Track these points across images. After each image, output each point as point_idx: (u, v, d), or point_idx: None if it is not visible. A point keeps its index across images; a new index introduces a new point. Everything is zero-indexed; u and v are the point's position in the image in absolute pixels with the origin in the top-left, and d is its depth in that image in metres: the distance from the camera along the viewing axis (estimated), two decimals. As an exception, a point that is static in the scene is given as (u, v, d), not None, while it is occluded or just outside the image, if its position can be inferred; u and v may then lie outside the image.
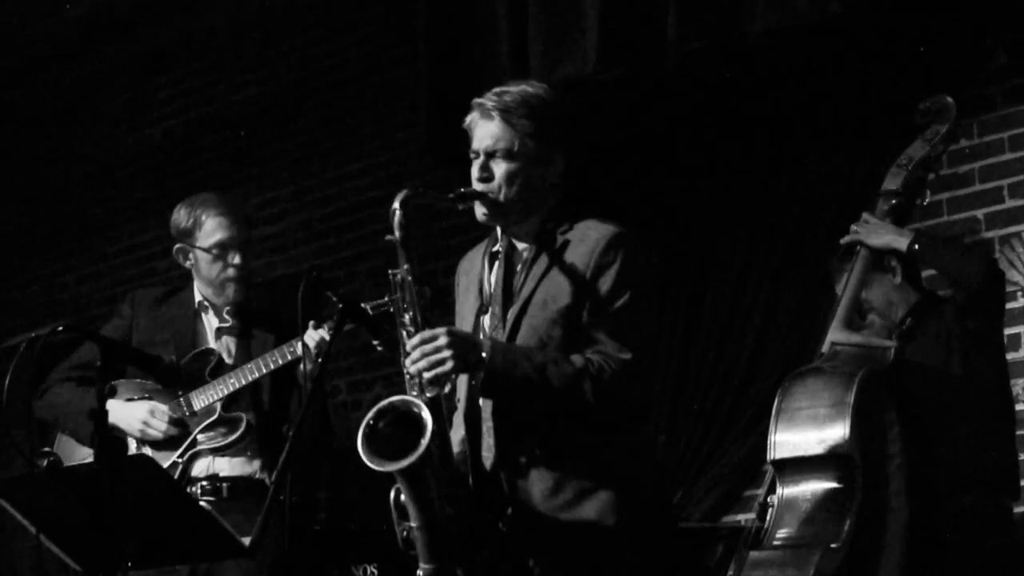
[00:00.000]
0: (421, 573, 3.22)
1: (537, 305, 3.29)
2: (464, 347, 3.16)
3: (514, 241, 3.40)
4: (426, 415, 3.11)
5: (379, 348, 3.60)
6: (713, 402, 5.46)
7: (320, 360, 3.50)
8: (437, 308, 3.45)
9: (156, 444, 4.31)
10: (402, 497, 3.23)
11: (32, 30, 7.52)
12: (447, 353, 3.14)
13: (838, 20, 4.76)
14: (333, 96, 6.95)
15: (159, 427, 4.29)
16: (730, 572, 3.99)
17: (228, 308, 4.43)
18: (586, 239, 3.30)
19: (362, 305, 3.58)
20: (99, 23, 7.52)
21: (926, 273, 4.44)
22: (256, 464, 4.32)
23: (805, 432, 3.86)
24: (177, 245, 4.43)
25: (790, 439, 3.88)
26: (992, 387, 4.15)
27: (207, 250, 4.35)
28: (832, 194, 5.25)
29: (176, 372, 4.23)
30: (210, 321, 4.46)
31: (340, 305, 3.45)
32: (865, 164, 5.13)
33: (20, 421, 4.10)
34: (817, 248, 5.23)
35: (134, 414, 4.31)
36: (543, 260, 3.32)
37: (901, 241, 4.12)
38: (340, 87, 6.93)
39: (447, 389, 3.25)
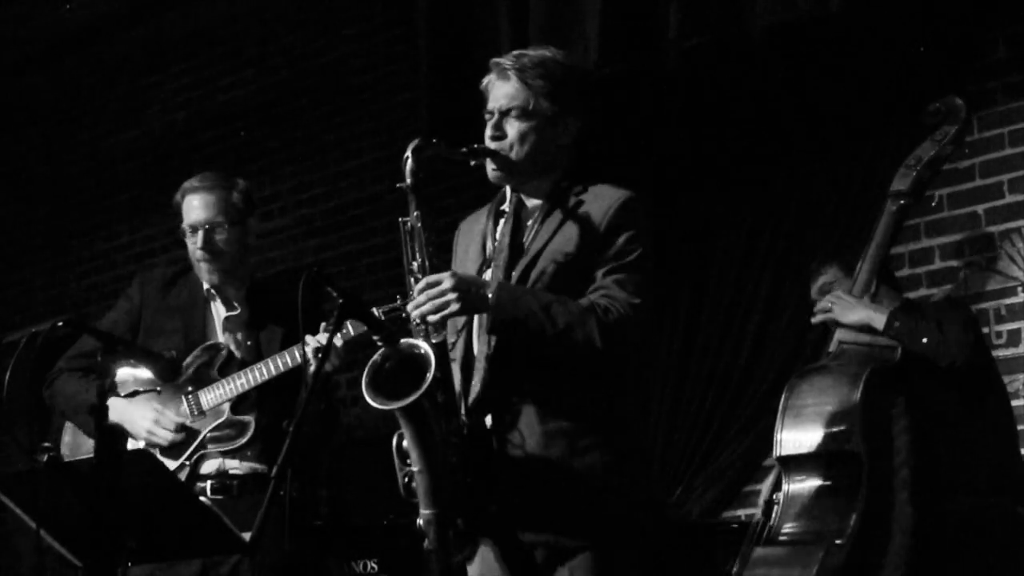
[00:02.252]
0: (421, 520, 3.21)
1: (546, 257, 3.30)
2: (469, 288, 3.17)
3: (523, 198, 3.41)
4: (430, 355, 3.13)
5: (380, 345, 3.60)
6: (713, 399, 5.46)
7: (320, 356, 3.48)
8: (445, 255, 3.46)
9: (163, 448, 4.28)
10: (404, 443, 3.23)
11: (31, 27, 7.52)
12: (452, 295, 3.15)
13: (838, 16, 4.76)
14: (333, 92, 6.95)
15: (164, 436, 4.24)
16: (735, 569, 3.99)
17: (235, 296, 4.39)
18: (600, 199, 3.32)
19: (374, 310, 3.58)
20: (99, 20, 7.53)
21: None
22: (262, 461, 4.30)
23: (811, 430, 3.86)
24: (180, 222, 4.43)
25: (796, 436, 3.89)
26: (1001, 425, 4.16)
27: (184, 231, 4.36)
28: (832, 193, 5.25)
29: (177, 368, 4.22)
30: (218, 310, 4.41)
31: (340, 301, 3.46)
32: (865, 162, 5.14)
33: (20, 416, 4.11)
34: (817, 248, 5.24)
35: (139, 419, 4.25)
36: (556, 215, 3.33)
37: (877, 319, 4.07)
38: (341, 83, 6.93)
39: (453, 338, 3.27)
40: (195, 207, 4.34)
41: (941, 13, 4.97)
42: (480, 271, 3.39)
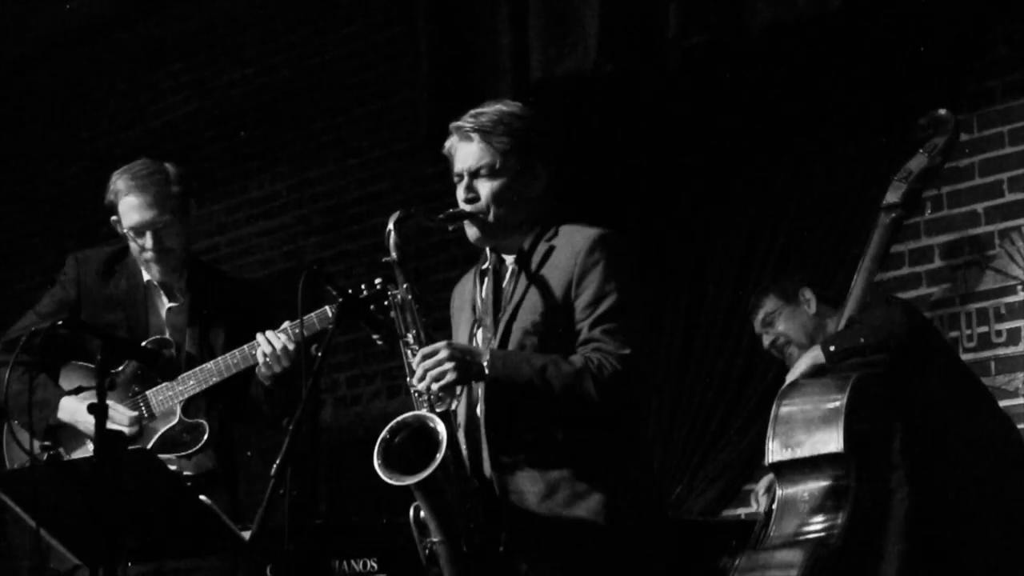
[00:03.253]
0: None
1: (526, 310, 3.32)
2: (464, 357, 3.21)
3: (503, 255, 3.44)
4: (440, 428, 3.17)
5: (379, 343, 3.60)
6: (712, 399, 5.47)
7: (320, 355, 3.48)
8: (435, 312, 3.47)
9: None
10: (422, 514, 3.27)
11: (31, 25, 7.52)
12: (448, 365, 3.19)
13: (838, 16, 4.76)
14: (333, 91, 6.95)
15: (119, 431, 4.03)
16: (731, 572, 4.03)
17: (176, 285, 4.24)
18: (571, 242, 3.33)
19: (353, 291, 3.56)
20: (99, 19, 7.53)
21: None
22: (212, 459, 4.20)
23: (799, 435, 3.94)
24: (111, 217, 4.25)
25: (785, 442, 3.96)
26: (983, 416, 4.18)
27: (126, 231, 4.19)
28: (832, 193, 5.25)
29: (177, 366, 4.17)
30: (161, 301, 4.26)
31: (340, 299, 3.46)
32: (865, 162, 5.14)
33: (20, 416, 4.10)
34: (816, 248, 5.24)
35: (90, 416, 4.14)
36: (530, 267, 3.36)
37: (818, 355, 4.12)
38: (340, 82, 6.93)
39: (455, 405, 3.30)
40: (136, 208, 4.15)
41: (941, 13, 4.97)
42: (472, 331, 3.44)
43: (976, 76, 5.07)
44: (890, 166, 4.96)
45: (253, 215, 7.27)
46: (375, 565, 4.57)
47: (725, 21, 4.96)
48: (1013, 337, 4.92)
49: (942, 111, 4.35)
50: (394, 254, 3.32)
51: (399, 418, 3.24)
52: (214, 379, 4.09)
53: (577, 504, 3.23)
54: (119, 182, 4.20)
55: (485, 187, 3.35)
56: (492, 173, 3.34)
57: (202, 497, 3.78)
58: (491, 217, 3.36)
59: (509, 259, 3.42)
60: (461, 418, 3.39)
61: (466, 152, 3.37)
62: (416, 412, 3.23)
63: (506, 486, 3.27)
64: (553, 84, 5.25)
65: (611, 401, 3.21)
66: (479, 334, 3.42)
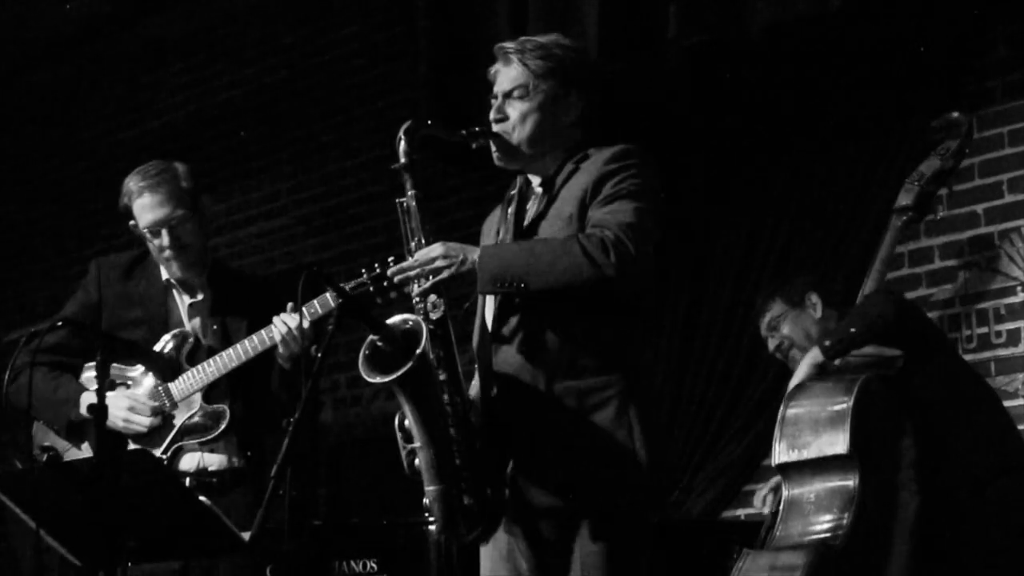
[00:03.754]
0: (427, 498, 3.22)
1: (545, 227, 3.31)
2: (456, 252, 3.21)
3: (530, 178, 3.43)
4: (420, 326, 3.16)
5: (379, 344, 3.60)
6: (713, 399, 5.47)
7: (320, 355, 3.48)
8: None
9: (139, 438, 4.23)
10: (406, 421, 3.24)
11: (30, 26, 7.52)
12: (441, 262, 3.20)
13: (838, 16, 4.76)
14: (333, 91, 6.95)
15: (142, 421, 4.16)
16: (735, 573, 4.03)
17: (197, 282, 4.30)
18: (596, 158, 3.32)
19: (342, 285, 3.58)
20: (99, 19, 7.53)
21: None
22: (238, 455, 4.26)
23: (806, 436, 3.93)
24: (129, 222, 4.34)
25: (792, 444, 3.95)
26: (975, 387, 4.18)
27: (142, 231, 4.28)
28: (832, 192, 5.25)
29: (178, 366, 4.20)
30: (181, 298, 4.33)
31: (340, 300, 3.46)
32: (866, 162, 5.14)
33: (20, 416, 4.11)
34: (816, 248, 5.24)
35: (114, 409, 4.10)
36: (554, 188, 3.34)
37: (816, 355, 4.12)
38: (340, 82, 6.93)
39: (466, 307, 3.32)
40: (149, 207, 4.24)
41: (941, 13, 4.97)
42: None
43: (976, 76, 5.08)
44: (890, 165, 4.98)
45: (253, 215, 7.27)
46: (375, 566, 4.57)
47: (725, 21, 4.96)
48: (1013, 338, 4.93)
49: (955, 114, 4.34)
50: (403, 159, 3.35)
51: (385, 322, 3.22)
52: (233, 364, 4.15)
53: (584, 417, 3.19)
54: (130, 184, 4.30)
55: (516, 108, 3.35)
56: (525, 95, 3.34)
57: (201, 498, 3.79)
58: (515, 138, 3.35)
59: (536, 181, 3.41)
60: (475, 337, 3.38)
61: (504, 74, 3.39)
62: (399, 316, 3.22)
63: (511, 397, 3.24)
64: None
65: (601, 268, 3.13)
66: None
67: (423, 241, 3.28)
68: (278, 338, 4.03)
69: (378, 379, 3.16)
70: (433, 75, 5.64)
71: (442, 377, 3.19)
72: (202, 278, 4.32)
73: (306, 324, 3.98)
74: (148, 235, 4.26)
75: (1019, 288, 4.94)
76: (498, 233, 3.45)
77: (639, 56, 5.13)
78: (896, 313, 4.04)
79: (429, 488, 3.21)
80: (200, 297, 4.32)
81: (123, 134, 7.81)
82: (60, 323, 3.98)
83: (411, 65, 6.00)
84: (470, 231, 3.71)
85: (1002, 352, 4.96)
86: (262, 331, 4.11)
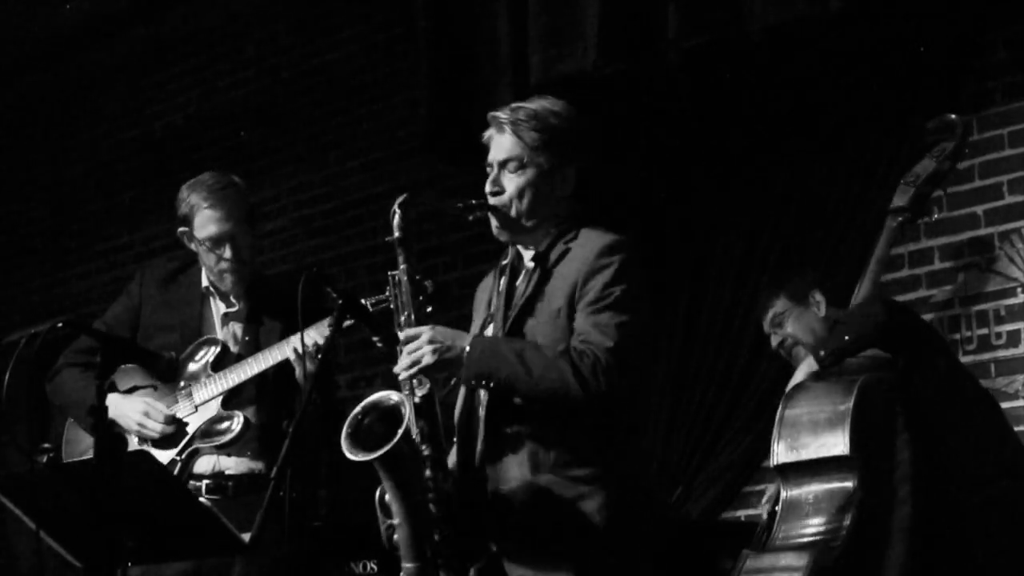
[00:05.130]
0: (403, 574, 3.23)
1: (535, 309, 3.32)
2: (445, 341, 3.21)
3: (522, 251, 3.43)
4: (403, 406, 3.16)
5: (379, 345, 3.60)
6: (713, 399, 5.46)
7: (320, 356, 3.49)
8: (438, 303, 3.46)
9: (155, 441, 4.29)
10: (387, 497, 3.25)
11: (30, 26, 7.52)
12: (428, 348, 3.19)
13: (838, 17, 4.76)
14: (333, 92, 6.95)
15: (154, 428, 4.25)
16: (734, 574, 4.04)
17: (234, 292, 4.39)
18: (587, 245, 3.32)
19: (363, 301, 3.60)
20: (99, 20, 7.53)
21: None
22: (259, 461, 4.30)
23: (805, 437, 3.94)
24: (180, 228, 4.42)
25: (791, 444, 3.96)
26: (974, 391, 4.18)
27: (201, 242, 4.35)
28: (832, 193, 5.24)
29: (176, 368, 4.24)
30: (216, 306, 4.42)
31: (340, 301, 3.47)
32: (865, 162, 5.14)
33: (20, 417, 4.12)
34: (815, 248, 5.24)
35: (130, 413, 4.26)
36: (546, 267, 3.35)
37: (813, 364, 4.13)
38: (340, 83, 6.93)
39: (444, 391, 3.29)
40: (215, 220, 4.32)
41: (941, 13, 4.97)
42: (484, 327, 3.43)
43: (976, 78, 5.07)
44: (890, 166, 4.97)
45: (249, 208, 7.25)
46: (375, 567, 4.57)
47: (725, 21, 4.95)
48: (1013, 339, 4.92)
49: (951, 116, 4.35)
50: (397, 233, 3.33)
51: (367, 399, 3.23)
52: (252, 372, 4.22)
53: (574, 504, 3.20)
54: (193, 196, 4.36)
55: (512, 182, 3.35)
56: (520, 167, 3.35)
57: (201, 499, 3.80)
58: (513, 212, 3.35)
59: (528, 255, 3.41)
60: (458, 409, 3.37)
61: (498, 143, 3.38)
62: (383, 392, 3.22)
63: (497, 480, 3.25)
64: (553, 85, 5.23)
65: (590, 391, 3.16)
66: (489, 330, 3.41)
67: (411, 317, 3.29)
68: (291, 355, 4.07)
69: (360, 456, 3.16)
70: (433, 75, 5.64)
71: (425, 452, 3.19)
72: (241, 288, 4.40)
73: (317, 340, 3.99)
74: (209, 245, 4.32)
75: (1019, 289, 4.93)
76: (489, 305, 3.45)
77: (639, 57, 5.12)
78: (887, 315, 4.04)
79: (407, 565, 3.22)
80: (236, 307, 4.40)
81: (123, 135, 7.81)
82: (60, 323, 3.98)
83: (411, 65, 6.00)
84: (454, 274, 3.68)
85: (1002, 354, 4.95)
86: (283, 341, 4.18)
